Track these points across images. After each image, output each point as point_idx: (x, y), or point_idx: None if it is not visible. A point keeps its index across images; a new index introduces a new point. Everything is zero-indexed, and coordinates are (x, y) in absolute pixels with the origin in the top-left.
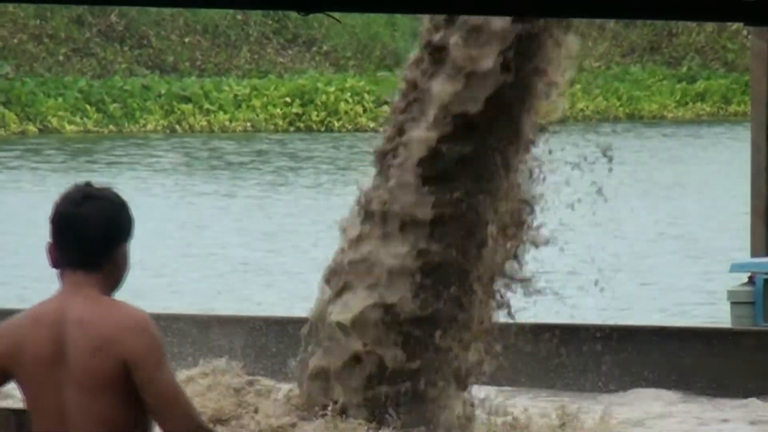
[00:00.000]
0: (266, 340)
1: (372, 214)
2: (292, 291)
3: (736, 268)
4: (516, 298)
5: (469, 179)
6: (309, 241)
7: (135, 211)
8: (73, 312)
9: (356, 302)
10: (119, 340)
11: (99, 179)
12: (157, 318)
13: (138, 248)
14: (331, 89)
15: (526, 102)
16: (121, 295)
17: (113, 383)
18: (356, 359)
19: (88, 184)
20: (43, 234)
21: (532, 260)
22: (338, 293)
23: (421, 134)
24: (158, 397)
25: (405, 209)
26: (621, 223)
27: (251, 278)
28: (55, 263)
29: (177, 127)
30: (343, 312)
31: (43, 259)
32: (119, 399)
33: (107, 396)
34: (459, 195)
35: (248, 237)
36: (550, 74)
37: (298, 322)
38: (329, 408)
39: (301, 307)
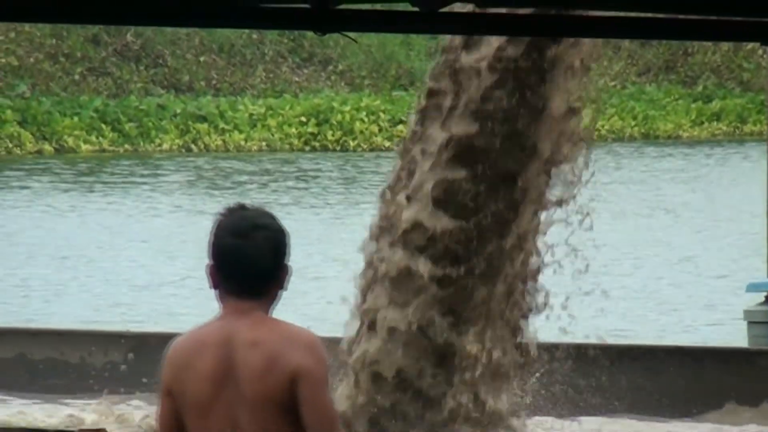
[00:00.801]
0: None
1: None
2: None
3: (753, 288)
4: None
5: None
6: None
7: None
8: (243, 334)
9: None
10: (288, 356)
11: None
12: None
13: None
14: (347, 109)
15: (541, 127)
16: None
17: (282, 401)
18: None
19: (245, 210)
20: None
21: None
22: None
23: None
24: (317, 415)
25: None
26: (636, 242)
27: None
28: (216, 286)
29: (192, 146)
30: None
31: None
32: (287, 417)
33: (277, 414)
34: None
35: None
36: (568, 99)
37: None
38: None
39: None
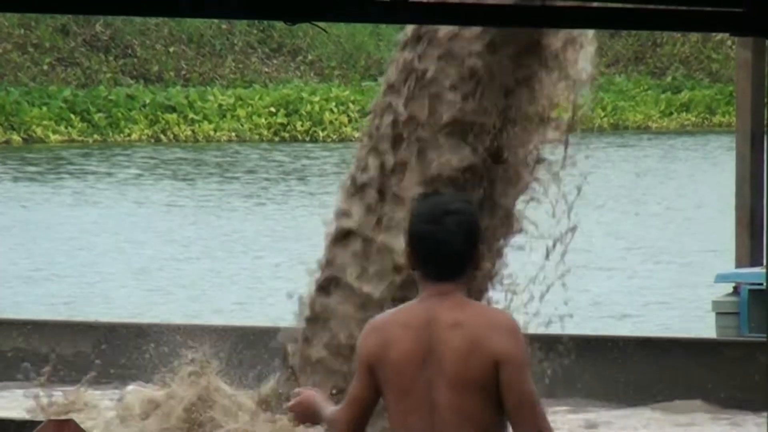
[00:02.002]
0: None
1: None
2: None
3: (721, 278)
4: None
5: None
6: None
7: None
8: (444, 316)
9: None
10: (491, 340)
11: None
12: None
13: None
14: (316, 99)
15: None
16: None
17: (484, 383)
18: None
19: (438, 197)
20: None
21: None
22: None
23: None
24: (519, 398)
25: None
26: (600, 233)
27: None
28: (414, 268)
29: (162, 136)
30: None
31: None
32: (487, 399)
33: (477, 396)
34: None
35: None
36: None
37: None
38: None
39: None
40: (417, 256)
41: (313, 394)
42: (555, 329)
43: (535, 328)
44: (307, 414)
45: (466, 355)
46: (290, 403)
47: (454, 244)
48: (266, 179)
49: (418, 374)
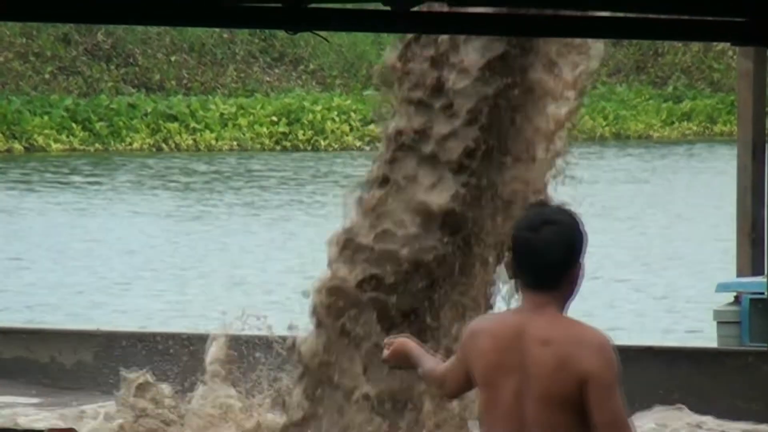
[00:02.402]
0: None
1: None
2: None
3: (722, 287)
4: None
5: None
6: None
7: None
8: (536, 330)
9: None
10: (579, 359)
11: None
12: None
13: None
14: (318, 108)
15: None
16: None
17: (572, 400)
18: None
19: (544, 207)
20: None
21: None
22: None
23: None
24: (607, 417)
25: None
26: (599, 242)
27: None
28: (513, 276)
29: (163, 145)
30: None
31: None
32: (575, 416)
33: (565, 412)
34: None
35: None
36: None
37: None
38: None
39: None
40: (515, 262)
41: (407, 340)
42: None
43: None
44: (400, 358)
45: (554, 372)
46: (386, 349)
47: (548, 254)
48: (262, 187)
49: (507, 386)
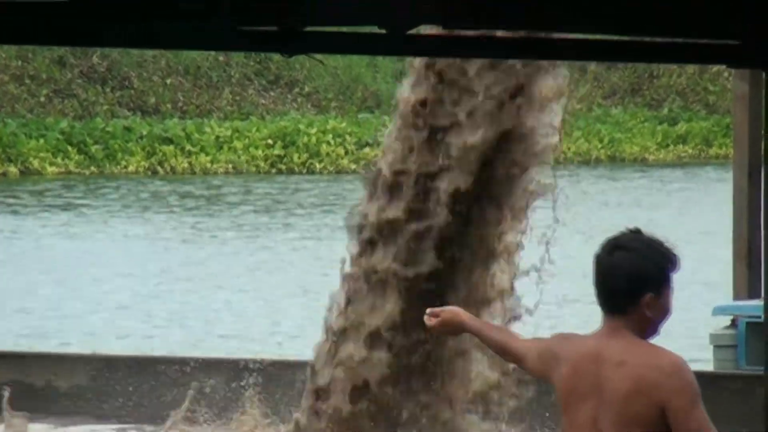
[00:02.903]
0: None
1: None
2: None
3: (719, 311)
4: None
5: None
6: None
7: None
8: (612, 353)
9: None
10: (657, 385)
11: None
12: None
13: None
14: (313, 131)
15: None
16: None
17: (648, 424)
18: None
19: (631, 232)
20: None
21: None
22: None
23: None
24: None
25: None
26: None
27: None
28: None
29: (159, 168)
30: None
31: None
32: None
33: None
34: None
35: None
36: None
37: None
38: None
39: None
40: (596, 287)
41: (459, 309)
42: None
43: None
44: (450, 328)
45: (629, 394)
46: (431, 319)
47: (611, 279)
48: (254, 211)
49: (584, 410)
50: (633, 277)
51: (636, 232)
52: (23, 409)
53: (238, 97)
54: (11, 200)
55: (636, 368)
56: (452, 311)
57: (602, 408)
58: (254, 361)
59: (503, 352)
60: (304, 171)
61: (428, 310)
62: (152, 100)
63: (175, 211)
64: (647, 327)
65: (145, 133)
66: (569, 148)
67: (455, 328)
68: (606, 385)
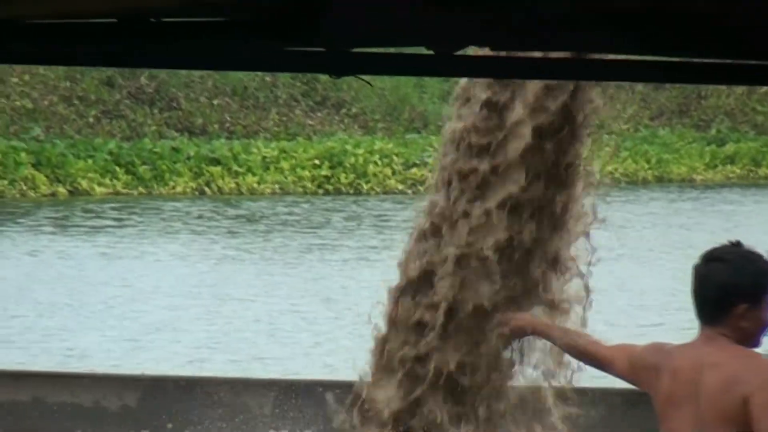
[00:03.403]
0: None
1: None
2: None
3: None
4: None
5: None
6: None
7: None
8: (709, 359)
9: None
10: (744, 380)
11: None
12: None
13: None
14: (360, 152)
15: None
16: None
17: (735, 420)
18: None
19: (730, 246)
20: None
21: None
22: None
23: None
24: None
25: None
26: (647, 285)
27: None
28: None
29: (206, 189)
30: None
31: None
32: None
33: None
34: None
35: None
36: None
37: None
38: None
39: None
40: (693, 296)
41: (531, 317)
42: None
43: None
44: (523, 334)
45: (719, 394)
46: (503, 327)
47: (703, 289)
48: (302, 232)
49: (681, 414)
50: (724, 288)
51: (735, 245)
52: (72, 429)
53: (284, 118)
54: (61, 221)
55: (726, 367)
56: (526, 318)
57: (698, 412)
58: (302, 382)
59: (584, 355)
60: (351, 191)
61: (500, 318)
62: (199, 120)
63: (222, 231)
64: (745, 337)
65: (192, 153)
66: (616, 169)
67: (527, 334)
68: (702, 390)
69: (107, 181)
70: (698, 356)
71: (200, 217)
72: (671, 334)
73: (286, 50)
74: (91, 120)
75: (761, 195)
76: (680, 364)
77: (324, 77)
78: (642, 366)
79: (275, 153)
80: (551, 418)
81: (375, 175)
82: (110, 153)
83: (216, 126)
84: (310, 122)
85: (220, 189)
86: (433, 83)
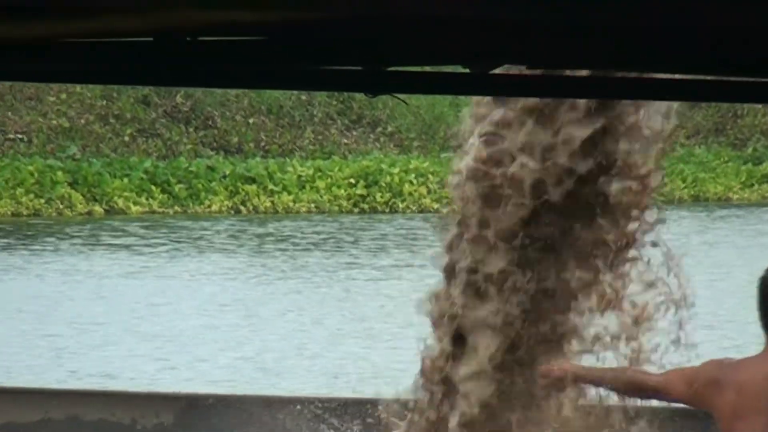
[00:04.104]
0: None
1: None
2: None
3: None
4: None
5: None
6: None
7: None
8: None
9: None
10: None
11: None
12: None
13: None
14: (395, 170)
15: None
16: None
17: None
18: None
19: None
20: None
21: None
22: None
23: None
24: None
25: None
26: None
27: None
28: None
29: (242, 207)
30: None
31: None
32: None
33: None
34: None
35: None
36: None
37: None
38: None
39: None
40: (759, 309)
41: (571, 363)
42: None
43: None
44: (560, 382)
45: None
46: (544, 377)
47: (764, 299)
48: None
49: (751, 425)
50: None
51: None
52: None
53: (320, 137)
54: (92, 240)
55: None
56: (562, 368)
57: (759, 419)
58: (331, 400)
59: (637, 390)
60: (387, 210)
61: (542, 369)
62: (235, 139)
63: (259, 251)
64: None
65: (228, 172)
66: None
67: (571, 382)
68: (763, 397)
69: (143, 200)
70: (763, 366)
71: (234, 236)
72: (714, 350)
73: (321, 68)
74: (126, 139)
75: None
76: (746, 377)
77: (359, 95)
78: (702, 384)
79: (310, 172)
80: None
81: (410, 194)
82: (146, 172)
83: (251, 144)
84: (346, 141)
85: (255, 208)
86: (468, 102)
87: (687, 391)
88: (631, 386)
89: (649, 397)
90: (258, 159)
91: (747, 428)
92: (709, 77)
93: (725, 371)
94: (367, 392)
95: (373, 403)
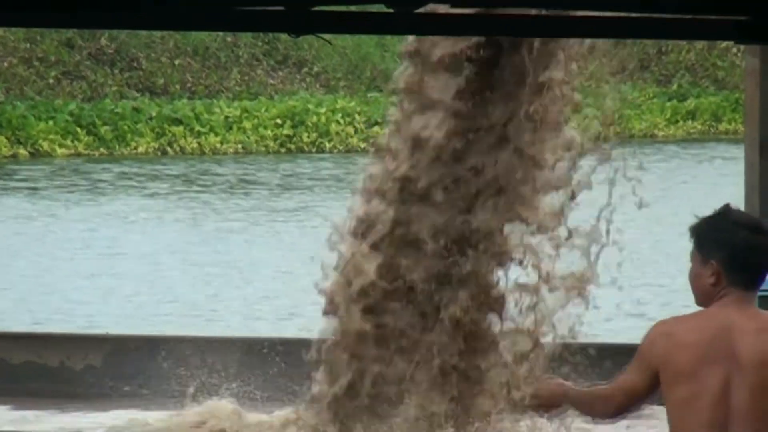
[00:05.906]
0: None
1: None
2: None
3: None
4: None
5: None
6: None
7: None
8: (748, 321)
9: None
10: None
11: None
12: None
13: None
14: (322, 110)
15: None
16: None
17: None
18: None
19: (735, 210)
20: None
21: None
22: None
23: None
24: None
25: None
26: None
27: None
28: (717, 282)
29: (168, 149)
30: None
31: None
32: None
33: None
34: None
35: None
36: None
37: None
38: None
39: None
40: (731, 262)
41: (558, 381)
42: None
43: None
44: (553, 401)
45: (762, 359)
46: (532, 400)
47: (760, 257)
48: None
49: (714, 376)
50: None
51: (734, 208)
52: (38, 390)
53: (246, 78)
54: (22, 183)
55: (766, 333)
56: (556, 384)
57: (737, 374)
58: (265, 340)
59: (605, 398)
60: (314, 150)
61: (531, 392)
62: (161, 81)
63: (186, 191)
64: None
65: (154, 114)
66: (577, 125)
67: (556, 401)
68: (744, 351)
69: (68, 142)
70: (729, 317)
71: (167, 178)
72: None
73: (245, 9)
74: (51, 81)
75: (722, 150)
76: (707, 325)
77: (285, 36)
78: (660, 347)
79: (237, 113)
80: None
81: (337, 133)
82: (71, 114)
83: (177, 86)
84: (272, 82)
85: (182, 149)
86: (394, 41)
87: (647, 375)
88: (602, 403)
89: (627, 405)
90: (184, 100)
91: (710, 375)
92: (633, 14)
93: (681, 323)
94: (287, 332)
95: (295, 342)
